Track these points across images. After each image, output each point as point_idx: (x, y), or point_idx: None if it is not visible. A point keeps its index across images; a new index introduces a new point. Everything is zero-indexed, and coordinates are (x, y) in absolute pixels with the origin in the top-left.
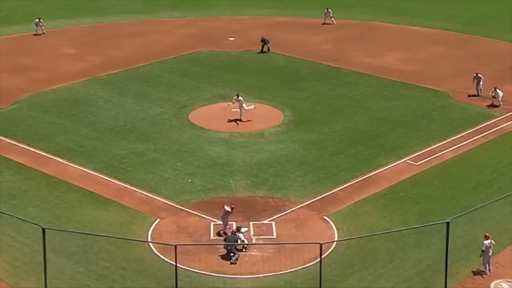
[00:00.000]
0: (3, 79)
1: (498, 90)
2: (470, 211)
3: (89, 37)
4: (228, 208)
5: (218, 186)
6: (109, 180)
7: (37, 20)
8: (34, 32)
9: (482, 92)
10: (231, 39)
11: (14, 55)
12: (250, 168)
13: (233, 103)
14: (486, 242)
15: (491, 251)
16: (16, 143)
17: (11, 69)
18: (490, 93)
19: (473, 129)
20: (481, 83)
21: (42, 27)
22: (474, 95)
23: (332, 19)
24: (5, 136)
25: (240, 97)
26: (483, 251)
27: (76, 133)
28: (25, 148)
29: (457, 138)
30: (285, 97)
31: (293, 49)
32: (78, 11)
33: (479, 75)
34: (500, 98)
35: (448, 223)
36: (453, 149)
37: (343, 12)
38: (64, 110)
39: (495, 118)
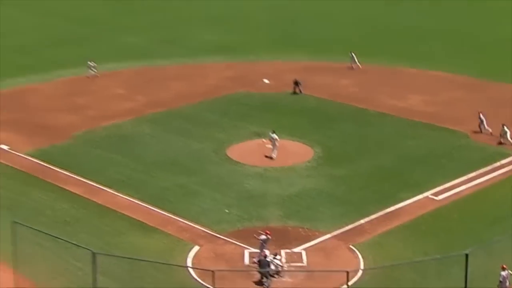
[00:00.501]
0: (60, 117)
1: (506, 128)
2: (488, 244)
3: (138, 79)
4: (264, 236)
5: (253, 216)
6: (154, 210)
7: (91, 63)
8: (89, 75)
9: (485, 130)
10: (266, 81)
11: (71, 95)
12: (282, 200)
13: (268, 140)
14: (504, 273)
15: (508, 281)
16: (72, 175)
17: (68, 108)
18: (501, 132)
19: (490, 167)
20: (484, 122)
21: (96, 70)
22: (478, 132)
23: (357, 63)
24: (61, 168)
25: (274, 135)
26: (500, 281)
27: (125, 166)
28: (79, 179)
29: (475, 175)
30: (315, 135)
31: (323, 91)
32: (129, 56)
33: (481, 115)
34: (508, 136)
35: (467, 255)
36: (472, 186)
37: (367, 57)
38: (114, 145)
39: (511, 157)
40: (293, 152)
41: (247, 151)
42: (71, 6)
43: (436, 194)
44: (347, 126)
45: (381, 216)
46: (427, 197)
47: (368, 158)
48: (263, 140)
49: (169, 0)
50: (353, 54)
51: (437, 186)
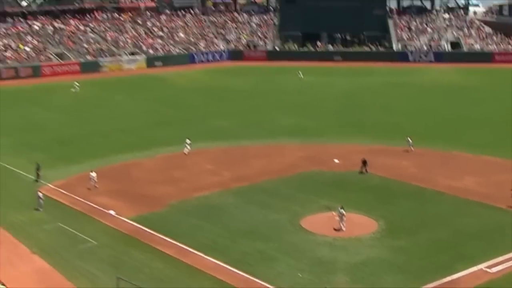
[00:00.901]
0: (158, 188)
1: None
2: None
3: (225, 157)
4: None
5: (323, 280)
6: (236, 272)
7: (188, 141)
8: (186, 151)
9: None
10: (336, 161)
11: (168, 169)
12: (349, 267)
13: (337, 213)
14: None
15: None
16: (166, 238)
17: (165, 180)
18: None
19: None
20: None
21: (189, 148)
22: None
23: (411, 147)
24: (158, 232)
25: (342, 210)
26: None
27: (212, 232)
28: (172, 242)
29: None
30: (379, 210)
31: (386, 171)
32: (218, 137)
33: None
34: None
35: None
36: None
37: (425, 142)
38: (203, 214)
39: None
40: (359, 224)
41: (319, 222)
42: (171, 95)
43: (489, 266)
44: (408, 203)
45: (439, 285)
46: (481, 269)
47: (426, 232)
48: (333, 213)
49: (252, 93)
50: (409, 139)
51: (491, 259)
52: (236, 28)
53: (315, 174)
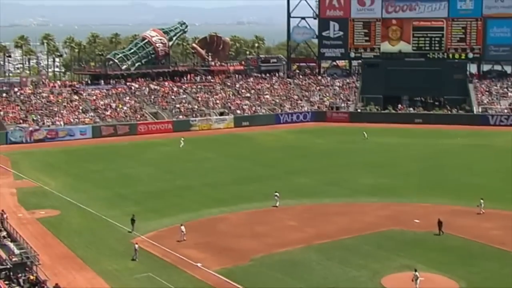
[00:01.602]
0: (243, 242)
1: None
2: None
3: (307, 214)
4: None
5: None
6: None
7: (277, 194)
8: (275, 205)
9: None
10: (417, 221)
11: (252, 224)
12: None
13: (414, 274)
14: None
15: None
16: None
17: (249, 235)
18: None
19: None
20: None
21: (278, 201)
22: None
23: (482, 209)
24: (241, 285)
25: (416, 273)
26: None
27: (293, 286)
28: None
29: None
30: (460, 271)
31: (466, 232)
32: (300, 194)
33: None
34: None
35: None
36: None
37: (507, 204)
38: (286, 269)
39: None
40: (440, 285)
41: (399, 282)
42: (257, 153)
43: None
44: (490, 265)
45: None
46: None
47: None
48: (413, 273)
49: (334, 152)
50: (481, 201)
51: None
52: (319, 91)
53: (395, 233)
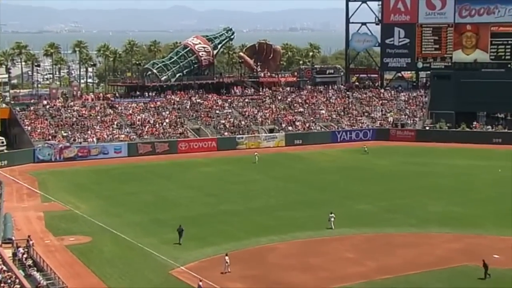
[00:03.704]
0: (294, 276)
1: None
2: None
3: (367, 245)
4: None
5: None
6: None
7: (332, 216)
8: (331, 226)
9: None
10: (496, 256)
11: (305, 255)
12: None
13: None
14: None
15: None
16: None
17: (302, 267)
18: None
19: None
20: None
21: (333, 223)
22: None
23: None
24: None
25: None
26: None
27: None
28: None
29: None
30: None
31: None
32: (359, 222)
33: None
34: None
35: None
36: None
37: None
38: None
39: None
40: None
41: None
42: (310, 175)
43: None
44: None
45: None
46: None
47: None
48: None
49: (398, 175)
50: None
51: None
52: (382, 105)
53: (470, 269)
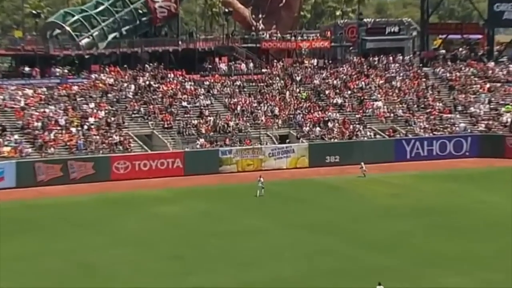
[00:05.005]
0: None
1: None
2: None
3: None
4: None
5: None
6: None
7: None
8: None
9: None
10: None
11: None
12: None
13: None
14: None
15: None
16: None
17: None
18: None
19: None
20: None
21: None
22: None
23: None
24: None
25: None
26: None
27: None
28: None
29: None
30: None
31: None
32: None
33: None
34: None
35: None
36: None
37: None
38: None
39: None
40: None
41: None
42: (357, 221)
43: None
44: None
45: None
46: None
47: None
48: None
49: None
50: None
51: None
52: (490, 92)
53: None
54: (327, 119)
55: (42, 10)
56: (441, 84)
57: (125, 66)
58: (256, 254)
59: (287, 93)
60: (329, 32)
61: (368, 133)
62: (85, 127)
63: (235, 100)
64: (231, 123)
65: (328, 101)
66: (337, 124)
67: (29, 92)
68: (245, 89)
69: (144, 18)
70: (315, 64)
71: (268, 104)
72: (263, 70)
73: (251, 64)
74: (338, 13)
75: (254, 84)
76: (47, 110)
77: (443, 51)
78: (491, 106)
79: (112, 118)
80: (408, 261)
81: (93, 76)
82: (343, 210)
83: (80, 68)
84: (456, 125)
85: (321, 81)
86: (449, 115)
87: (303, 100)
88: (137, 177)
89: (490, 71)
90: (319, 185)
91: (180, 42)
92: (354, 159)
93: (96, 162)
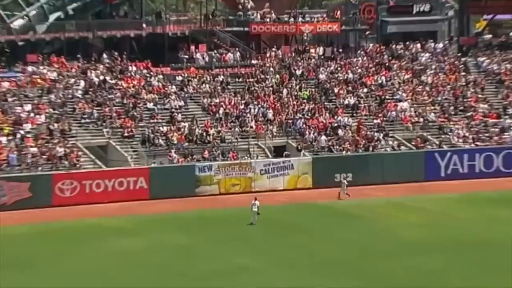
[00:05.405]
0: None
1: None
2: None
3: None
4: None
5: None
6: None
7: None
8: None
9: None
10: None
11: None
12: None
13: None
14: None
15: None
16: None
17: None
18: None
19: None
20: None
21: None
22: None
23: None
24: None
25: None
26: None
27: None
28: None
29: None
30: None
31: None
32: None
33: None
34: None
35: None
36: None
37: None
38: None
39: None
40: None
41: None
42: (378, 258)
43: None
44: None
45: None
46: None
47: None
48: None
49: None
50: None
51: None
52: None
53: None
54: (336, 125)
55: None
56: (486, 80)
57: (73, 56)
58: None
59: (285, 91)
60: (339, 12)
61: (390, 143)
62: (19, 136)
63: (217, 100)
64: (211, 131)
65: (337, 101)
66: (349, 132)
67: None
68: (230, 86)
69: None
70: (320, 53)
71: (260, 105)
72: (253, 62)
73: (238, 54)
74: None
75: (241, 79)
76: None
77: (489, 36)
78: None
79: (55, 125)
80: None
81: (29, 69)
82: (358, 245)
83: (12, 58)
84: (506, 133)
85: (329, 75)
86: (497, 120)
87: (305, 101)
88: (88, 202)
89: None
90: (326, 212)
91: (144, 25)
92: (372, 178)
93: (34, 182)
